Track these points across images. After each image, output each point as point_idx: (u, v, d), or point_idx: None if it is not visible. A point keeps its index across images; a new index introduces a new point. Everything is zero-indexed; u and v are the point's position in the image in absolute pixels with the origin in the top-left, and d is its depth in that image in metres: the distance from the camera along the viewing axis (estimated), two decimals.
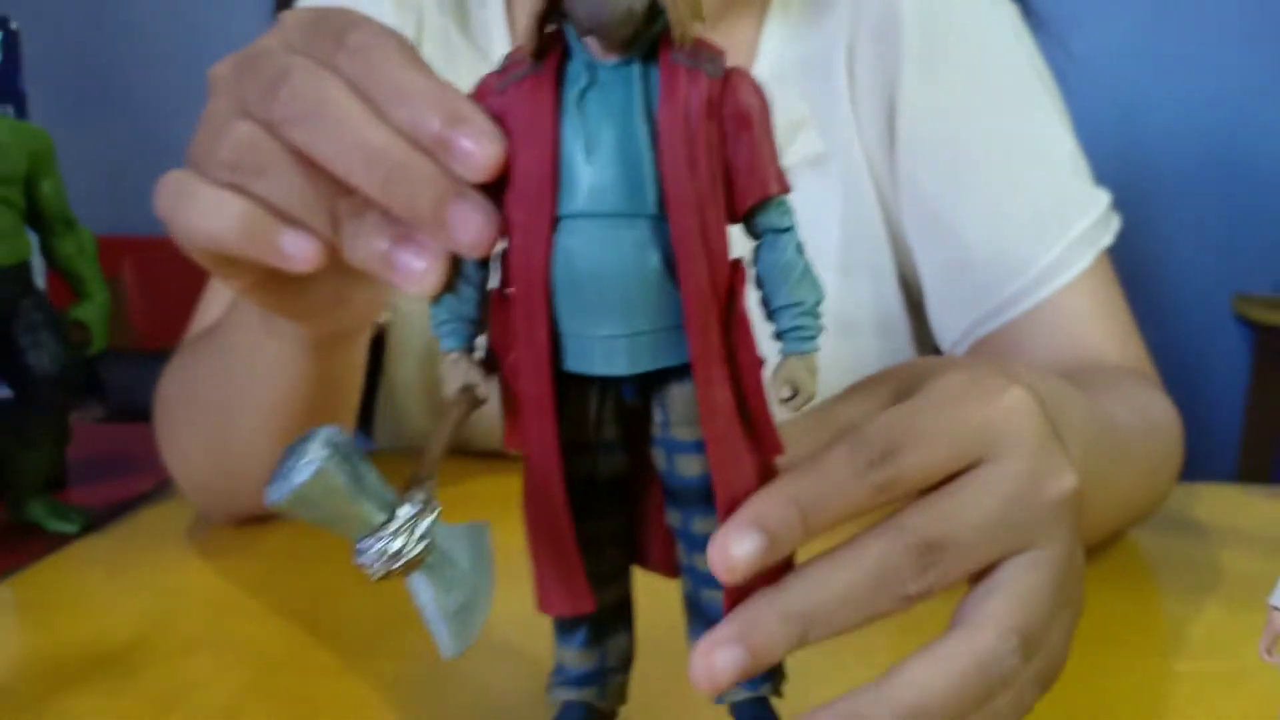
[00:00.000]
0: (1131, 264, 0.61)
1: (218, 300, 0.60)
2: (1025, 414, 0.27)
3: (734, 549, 0.24)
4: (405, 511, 0.24)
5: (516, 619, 0.31)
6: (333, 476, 0.23)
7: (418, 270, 0.25)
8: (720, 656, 0.24)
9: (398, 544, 0.24)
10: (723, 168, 0.24)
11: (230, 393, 0.47)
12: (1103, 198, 0.60)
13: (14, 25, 0.58)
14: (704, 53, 0.24)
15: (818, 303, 0.25)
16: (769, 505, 0.24)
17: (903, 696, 0.24)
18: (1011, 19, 0.63)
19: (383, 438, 0.70)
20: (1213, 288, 1.73)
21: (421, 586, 0.25)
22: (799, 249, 0.25)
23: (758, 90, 0.25)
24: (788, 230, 0.25)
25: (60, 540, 0.53)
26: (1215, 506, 0.58)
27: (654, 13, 0.24)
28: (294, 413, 0.44)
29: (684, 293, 0.24)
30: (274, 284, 0.33)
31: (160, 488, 0.61)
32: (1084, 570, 0.29)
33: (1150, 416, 0.51)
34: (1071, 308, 0.58)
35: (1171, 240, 1.71)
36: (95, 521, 0.55)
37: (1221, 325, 1.74)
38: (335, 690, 0.38)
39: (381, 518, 0.24)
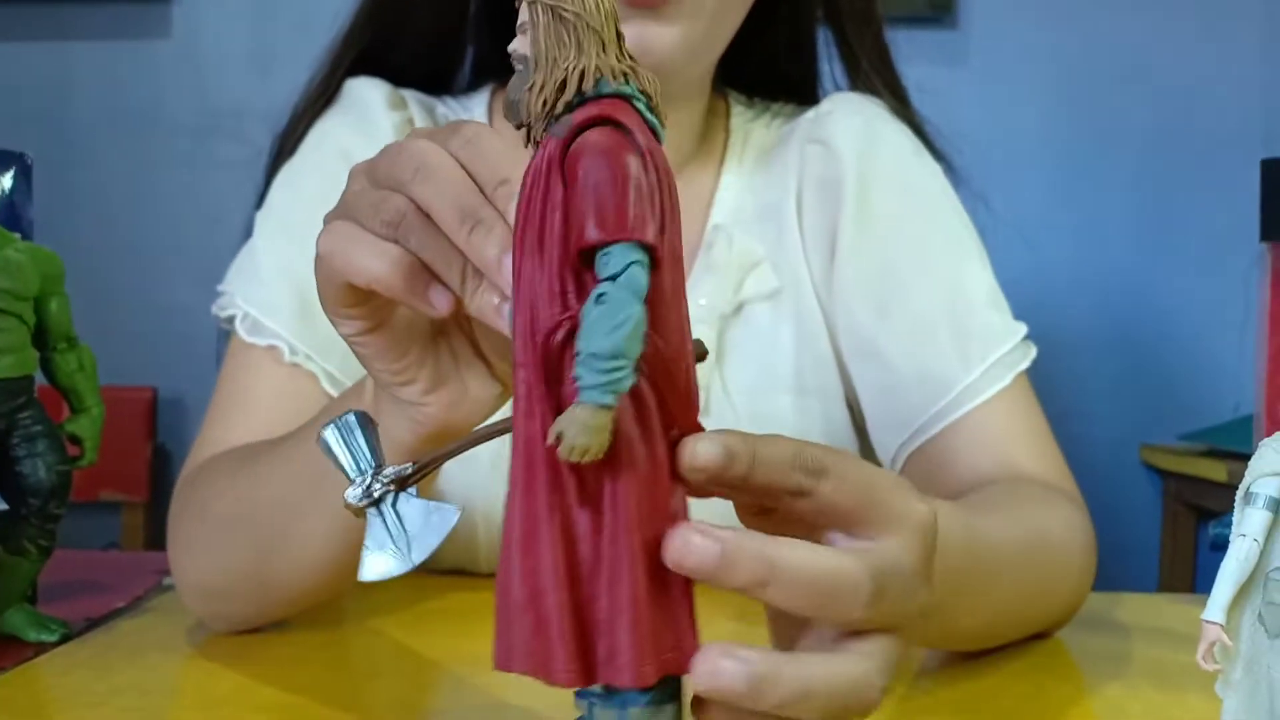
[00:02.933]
0: (1046, 413, 0.66)
1: (247, 414, 0.62)
2: (928, 528, 0.32)
3: (701, 448, 0.28)
4: (364, 478, 0.33)
5: None
6: (325, 443, 0.34)
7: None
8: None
9: (352, 494, 0.34)
10: (564, 218, 0.27)
11: (296, 498, 0.48)
12: (1020, 328, 0.66)
13: (29, 159, 0.62)
14: (567, 120, 0.28)
15: (591, 354, 0.25)
16: (731, 436, 0.29)
17: (801, 674, 0.28)
18: (936, 174, 0.71)
19: None
20: (1122, 438, 1.82)
21: (369, 527, 0.34)
22: (598, 299, 0.25)
23: (596, 147, 0.27)
24: (603, 280, 0.26)
25: (42, 648, 0.54)
26: (1140, 612, 0.63)
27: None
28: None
29: (512, 332, 0.28)
30: (382, 331, 0.38)
31: (134, 604, 0.62)
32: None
33: (1048, 533, 0.54)
34: (991, 423, 0.63)
35: (1080, 393, 1.81)
36: (74, 633, 0.56)
37: (1132, 474, 1.83)
38: None
39: (355, 476, 0.34)
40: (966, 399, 0.63)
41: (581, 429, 0.25)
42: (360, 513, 0.34)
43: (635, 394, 0.26)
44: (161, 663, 0.52)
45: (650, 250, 0.26)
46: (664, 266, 0.27)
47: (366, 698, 0.48)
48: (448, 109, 0.74)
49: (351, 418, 0.34)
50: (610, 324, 0.25)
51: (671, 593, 0.27)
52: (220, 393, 0.65)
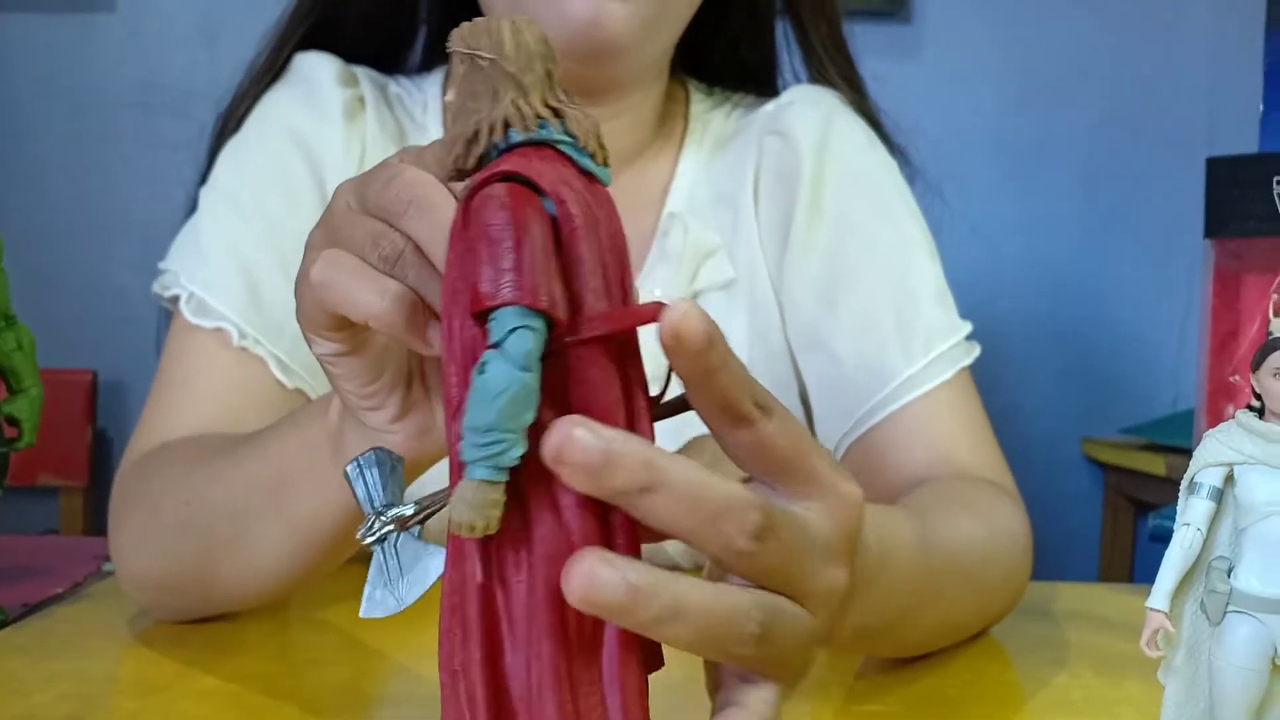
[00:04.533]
0: (989, 407, 0.66)
1: (193, 399, 0.60)
2: (853, 506, 0.32)
3: (693, 316, 0.27)
4: (372, 516, 0.33)
5: None
6: (347, 477, 0.34)
7: None
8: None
9: (360, 532, 0.33)
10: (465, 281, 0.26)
11: (255, 507, 0.46)
12: (964, 326, 0.67)
13: None
14: (470, 181, 0.27)
15: (470, 428, 0.24)
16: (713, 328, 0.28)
17: (677, 590, 0.27)
18: (891, 169, 0.71)
19: None
20: (1063, 431, 1.86)
21: (372, 565, 0.33)
22: (480, 369, 0.24)
23: (486, 207, 0.26)
24: (488, 347, 0.25)
25: None
26: (1079, 600, 0.64)
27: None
28: (320, 539, 0.45)
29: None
30: (358, 355, 0.37)
31: (73, 590, 0.60)
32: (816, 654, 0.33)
33: (991, 537, 0.54)
34: (930, 414, 0.63)
35: (1025, 386, 1.84)
36: (9, 619, 0.55)
37: (1073, 467, 1.87)
38: None
39: (369, 512, 0.33)
40: (907, 390, 0.63)
41: (466, 506, 0.24)
42: (368, 549, 0.33)
43: (539, 461, 0.25)
44: (101, 649, 0.51)
45: (543, 314, 0.25)
46: (585, 323, 0.26)
47: (310, 686, 0.48)
48: (400, 89, 0.73)
49: (371, 455, 0.33)
50: (487, 396, 0.24)
51: (594, 674, 0.26)
52: (163, 376, 0.63)
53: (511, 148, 0.27)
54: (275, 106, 0.68)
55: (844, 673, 0.49)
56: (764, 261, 0.69)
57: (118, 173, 1.87)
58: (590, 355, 0.26)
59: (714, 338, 0.28)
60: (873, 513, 0.38)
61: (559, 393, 0.26)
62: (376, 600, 0.32)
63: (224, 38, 1.82)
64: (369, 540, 0.32)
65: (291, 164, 0.66)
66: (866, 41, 0.78)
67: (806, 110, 0.70)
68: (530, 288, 0.25)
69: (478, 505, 0.24)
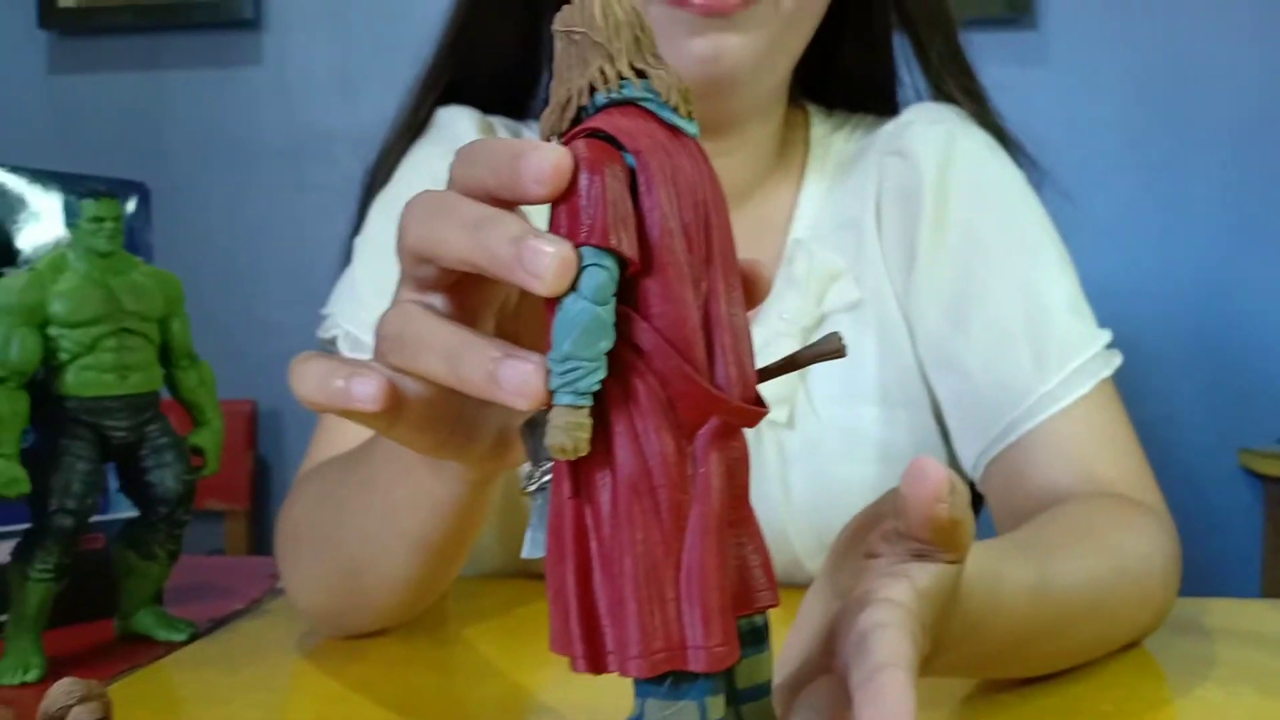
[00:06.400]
0: (1137, 420, 0.65)
1: (339, 432, 0.64)
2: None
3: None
4: (534, 469, 0.33)
5: None
6: (520, 430, 0.33)
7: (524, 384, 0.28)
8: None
9: (521, 483, 0.33)
10: None
11: (372, 523, 0.49)
12: (1103, 336, 0.65)
13: (148, 188, 0.66)
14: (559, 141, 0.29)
15: (551, 358, 0.27)
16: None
17: None
18: (1016, 180, 0.71)
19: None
20: (1218, 443, 1.78)
21: (533, 511, 0.33)
22: (560, 305, 0.27)
23: (577, 155, 0.28)
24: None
25: (170, 646, 0.57)
26: (1236, 617, 0.62)
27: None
28: (435, 545, 0.47)
29: None
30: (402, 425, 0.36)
31: (253, 606, 0.65)
32: None
33: (1127, 561, 0.53)
34: (1069, 432, 0.62)
35: (1173, 398, 1.78)
36: (199, 633, 0.59)
37: (1230, 479, 1.79)
38: None
39: (529, 464, 0.33)
40: (1043, 407, 0.62)
41: (556, 430, 0.27)
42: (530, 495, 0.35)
43: (623, 388, 0.27)
44: (281, 661, 0.55)
45: (614, 253, 0.27)
46: (662, 262, 0.28)
47: (474, 697, 0.51)
48: (532, 133, 0.77)
49: (537, 414, 0.33)
50: (562, 328, 0.27)
51: (671, 591, 0.27)
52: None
53: (600, 109, 0.29)
54: (422, 159, 0.73)
55: (987, 683, 0.49)
56: (889, 281, 0.70)
57: (267, 216, 1.99)
58: (662, 285, 0.28)
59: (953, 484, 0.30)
60: (988, 555, 0.39)
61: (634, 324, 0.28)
62: (537, 542, 0.33)
63: (361, 86, 1.92)
64: (530, 488, 0.33)
65: None
66: (990, 50, 0.78)
67: (926, 129, 0.71)
68: (601, 229, 0.27)
69: (565, 429, 0.26)
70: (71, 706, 0.37)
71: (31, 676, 0.52)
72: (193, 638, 0.58)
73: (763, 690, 0.30)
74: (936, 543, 0.32)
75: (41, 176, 0.64)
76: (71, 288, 0.55)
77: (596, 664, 0.28)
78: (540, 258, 0.27)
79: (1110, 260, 1.71)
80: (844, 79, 0.78)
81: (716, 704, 0.28)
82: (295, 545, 0.57)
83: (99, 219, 0.55)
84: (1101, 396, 0.64)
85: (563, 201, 0.28)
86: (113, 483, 0.60)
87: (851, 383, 0.69)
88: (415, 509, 0.46)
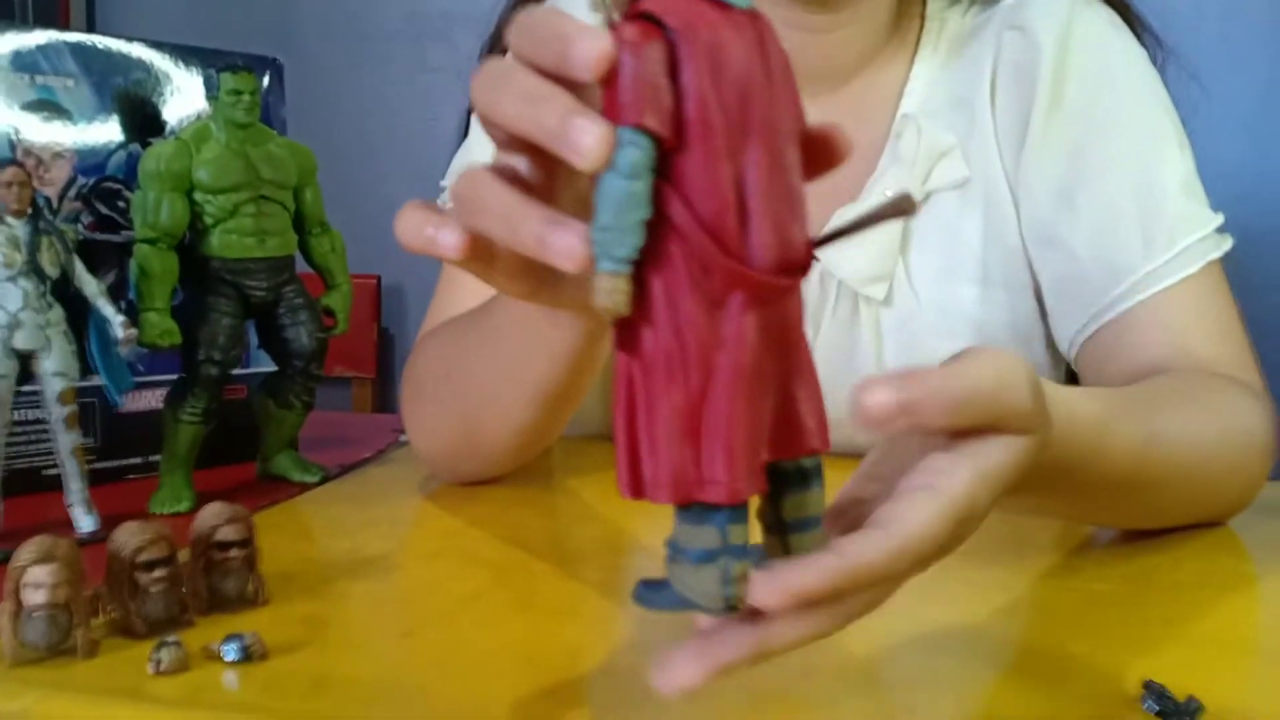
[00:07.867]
0: (1249, 310, 0.64)
1: (460, 291, 0.68)
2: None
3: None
4: None
5: None
6: None
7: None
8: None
9: None
10: None
11: (493, 372, 0.54)
12: (1215, 218, 0.64)
13: (280, 63, 0.70)
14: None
15: (594, 228, 0.29)
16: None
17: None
18: (1139, 59, 0.69)
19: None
20: None
21: None
22: (598, 180, 0.29)
23: (620, 38, 0.29)
24: None
25: (305, 487, 0.63)
26: None
27: None
28: (549, 393, 0.51)
29: None
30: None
31: (378, 455, 0.71)
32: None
33: (1225, 430, 0.53)
34: (1170, 308, 0.62)
35: None
36: (331, 476, 0.65)
37: None
38: (557, 589, 0.47)
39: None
40: (1147, 285, 0.62)
41: (599, 292, 0.29)
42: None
43: (659, 256, 0.30)
44: (404, 501, 0.61)
45: (647, 131, 0.29)
46: (696, 137, 0.29)
47: (576, 537, 0.55)
48: None
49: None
50: (599, 200, 0.29)
51: (695, 431, 0.30)
52: (441, 275, 0.73)
53: None
54: None
55: (1067, 550, 0.51)
56: (999, 159, 0.69)
57: (389, 96, 2.03)
58: (697, 160, 0.30)
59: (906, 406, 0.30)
60: (1098, 402, 0.40)
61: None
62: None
63: None
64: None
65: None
66: None
67: (1047, 4, 0.69)
68: (635, 110, 0.29)
69: (607, 291, 0.29)
70: (220, 526, 0.43)
71: (183, 507, 0.58)
72: (325, 479, 0.64)
73: (811, 523, 0.33)
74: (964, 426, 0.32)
75: (183, 52, 0.68)
76: (214, 156, 0.59)
77: (637, 492, 0.32)
78: (582, 135, 0.29)
79: (1239, 148, 1.63)
80: None
81: (738, 531, 0.31)
82: (419, 396, 0.62)
83: (237, 91, 0.59)
84: (1208, 278, 0.63)
85: (606, 83, 0.30)
86: (253, 340, 0.66)
87: (952, 261, 0.70)
88: (533, 357, 0.50)
